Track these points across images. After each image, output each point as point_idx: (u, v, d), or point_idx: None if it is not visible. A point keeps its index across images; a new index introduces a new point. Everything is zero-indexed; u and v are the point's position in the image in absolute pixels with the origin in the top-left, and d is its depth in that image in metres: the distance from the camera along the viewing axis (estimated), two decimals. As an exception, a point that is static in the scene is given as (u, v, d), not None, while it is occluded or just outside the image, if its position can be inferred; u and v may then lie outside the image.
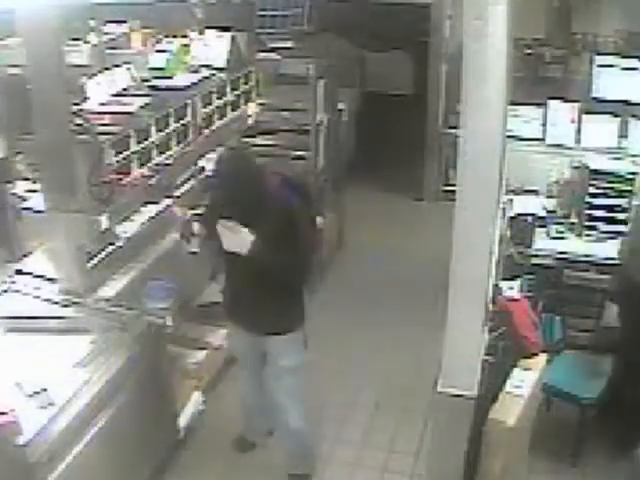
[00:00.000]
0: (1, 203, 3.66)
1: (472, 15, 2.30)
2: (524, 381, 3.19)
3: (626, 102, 4.84)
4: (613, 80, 4.92)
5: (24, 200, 3.82)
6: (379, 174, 7.36)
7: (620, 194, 4.46)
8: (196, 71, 4.74)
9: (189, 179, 4.92)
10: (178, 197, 4.72)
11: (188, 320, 4.45)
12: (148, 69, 4.53)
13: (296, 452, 3.83)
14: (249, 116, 5.31)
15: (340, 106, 6.45)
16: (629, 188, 4.45)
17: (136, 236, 4.24)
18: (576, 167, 4.68)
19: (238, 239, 3.19)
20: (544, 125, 5.03)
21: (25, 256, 3.87)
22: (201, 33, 4.99)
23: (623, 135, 4.82)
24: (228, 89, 4.91)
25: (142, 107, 3.98)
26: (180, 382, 4.14)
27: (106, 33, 4.97)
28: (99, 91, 3.93)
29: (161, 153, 4.11)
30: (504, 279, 3.64)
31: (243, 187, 3.15)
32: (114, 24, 5.11)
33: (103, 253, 4.00)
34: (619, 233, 4.35)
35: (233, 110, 5.01)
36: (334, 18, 7.22)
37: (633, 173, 4.46)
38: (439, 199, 7.05)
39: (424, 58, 7.09)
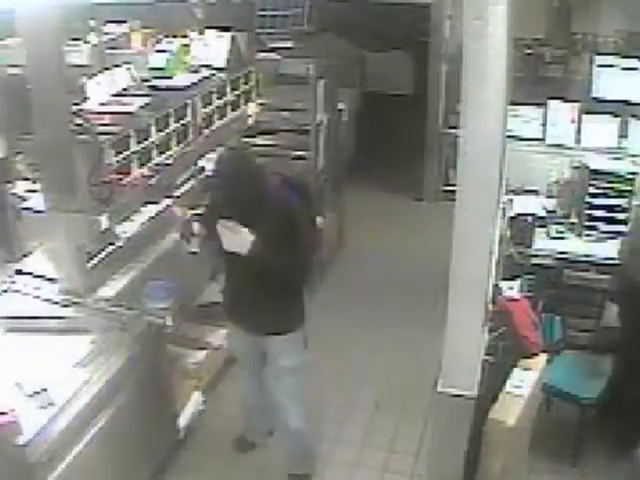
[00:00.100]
0: (1, 203, 3.66)
1: (472, 15, 2.30)
2: (524, 381, 3.19)
3: (626, 102, 4.84)
4: (613, 80, 4.92)
5: (24, 200, 3.82)
6: (379, 174, 7.36)
7: (620, 194, 4.46)
8: (196, 71, 4.74)
9: (189, 179, 4.92)
10: (178, 197, 4.72)
11: (188, 320, 4.45)
12: (148, 69, 4.52)
13: (296, 452, 3.83)
14: (249, 116, 5.31)
15: (340, 106, 6.45)
16: (629, 188, 4.45)
17: (136, 236, 4.24)
18: (576, 167, 4.68)
19: (238, 239, 3.19)
20: (544, 125, 5.03)
21: (25, 256, 3.87)
22: (201, 33, 4.99)
23: (623, 135, 4.82)
24: (228, 89, 4.91)
25: (142, 107, 3.98)
26: (180, 382, 4.14)
27: (106, 33, 4.97)
28: (99, 91, 3.93)
29: (161, 153, 4.11)
30: (504, 279, 3.64)
31: (243, 187, 3.15)
32: (114, 24, 5.11)
33: (103, 253, 4.00)
34: (619, 233, 4.35)
35: (233, 110, 5.01)
36: (334, 18, 7.22)
37: (633, 173, 4.46)
38: (439, 199, 7.05)
39: (424, 58, 7.09)
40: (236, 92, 5.03)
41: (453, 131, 6.39)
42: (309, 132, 5.58)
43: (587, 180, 4.52)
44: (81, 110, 3.66)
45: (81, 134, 3.49)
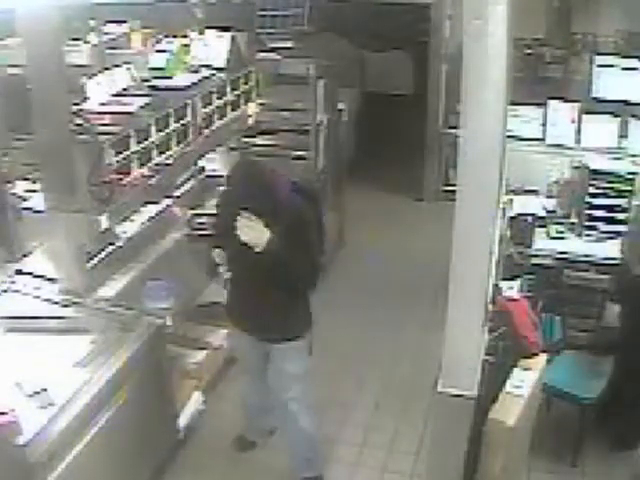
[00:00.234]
0: (1, 203, 3.66)
1: (472, 15, 2.30)
2: (524, 381, 3.19)
3: (626, 102, 4.84)
4: (613, 80, 4.92)
5: (24, 200, 3.82)
6: (379, 174, 7.36)
7: (620, 194, 4.46)
8: (196, 71, 4.74)
9: (189, 179, 4.92)
10: (178, 197, 4.73)
11: (188, 320, 4.45)
12: (148, 69, 4.52)
13: (308, 455, 3.82)
14: (249, 116, 5.31)
15: (340, 106, 6.45)
16: (629, 188, 4.45)
17: (136, 236, 4.25)
18: (576, 167, 4.68)
19: (256, 234, 3.19)
20: (544, 125, 5.03)
21: (25, 256, 3.86)
22: (201, 33, 4.98)
23: (623, 135, 4.82)
24: (228, 89, 4.90)
25: (142, 107, 3.98)
26: (180, 382, 4.14)
27: (106, 33, 4.97)
28: (99, 91, 3.92)
29: (161, 153, 4.10)
30: (504, 279, 3.64)
31: (259, 191, 3.19)
32: (114, 24, 5.11)
33: (103, 253, 4.00)
34: (619, 233, 4.36)
35: (233, 110, 5.01)
36: (334, 18, 7.24)
37: (633, 173, 4.46)
38: (439, 199, 7.05)
39: (424, 58, 7.08)
40: (236, 92, 5.02)
41: (453, 131, 6.39)
42: (309, 132, 5.58)
43: (587, 180, 4.52)
44: (81, 110, 3.66)
45: (81, 134, 3.49)
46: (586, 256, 4.39)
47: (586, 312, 4.41)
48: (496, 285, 3.39)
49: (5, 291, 3.75)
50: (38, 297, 3.73)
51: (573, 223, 4.61)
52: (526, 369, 3.26)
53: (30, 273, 3.83)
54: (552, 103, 4.98)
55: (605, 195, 4.48)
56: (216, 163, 5.44)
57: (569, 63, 6.02)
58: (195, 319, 4.60)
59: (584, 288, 4.43)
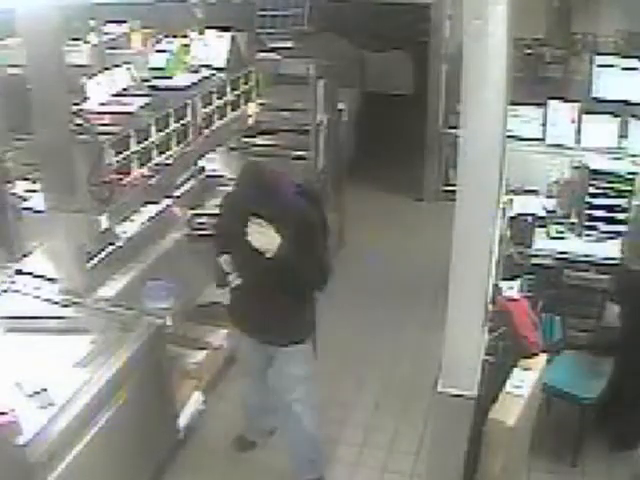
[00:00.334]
0: (1, 203, 3.66)
1: (472, 15, 2.30)
2: (524, 381, 3.19)
3: (626, 102, 4.84)
4: (613, 80, 4.92)
5: (24, 200, 3.81)
6: (379, 174, 7.36)
7: (620, 194, 4.46)
8: (196, 71, 4.74)
9: (189, 179, 4.93)
10: (178, 197, 4.73)
11: (188, 320, 4.45)
12: (148, 69, 4.52)
13: (311, 457, 3.81)
14: (249, 116, 5.31)
15: (340, 106, 6.45)
16: (629, 188, 4.45)
17: (136, 236, 4.25)
18: (576, 167, 4.68)
19: (267, 238, 3.19)
20: (544, 125, 5.03)
21: (25, 256, 3.86)
22: (201, 33, 4.98)
23: (623, 135, 4.82)
24: (228, 89, 4.90)
25: (142, 107, 3.98)
26: (180, 382, 4.14)
27: (106, 33, 4.97)
28: (99, 91, 3.92)
29: (161, 153, 4.11)
30: (504, 279, 3.64)
31: (269, 197, 3.20)
32: (114, 24, 5.11)
33: (103, 253, 4.01)
34: (619, 233, 4.36)
35: (233, 110, 5.01)
36: (334, 18, 7.23)
37: (633, 173, 4.46)
38: (439, 199, 7.05)
39: (424, 58, 7.08)
40: (236, 92, 5.02)
41: (453, 131, 6.39)
42: (309, 132, 5.58)
43: (587, 180, 4.52)
44: (81, 110, 3.66)
45: (81, 134, 3.49)
46: (586, 256, 4.39)
47: (586, 312, 4.41)
48: (496, 285, 3.39)
49: (5, 291, 3.75)
50: (38, 297, 3.73)
51: (573, 223, 4.61)
52: (526, 369, 3.26)
53: (30, 273, 3.83)
54: (552, 103, 4.98)
55: (605, 195, 4.48)
56: (216, 163, 5.45)
57: (569, 63, 6.02)
58: (195, 319, 4.60)
59: (584, 288, 4.43)
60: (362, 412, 4.40)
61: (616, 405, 3.85)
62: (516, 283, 3.64)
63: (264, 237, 3.18)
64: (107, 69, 4.12)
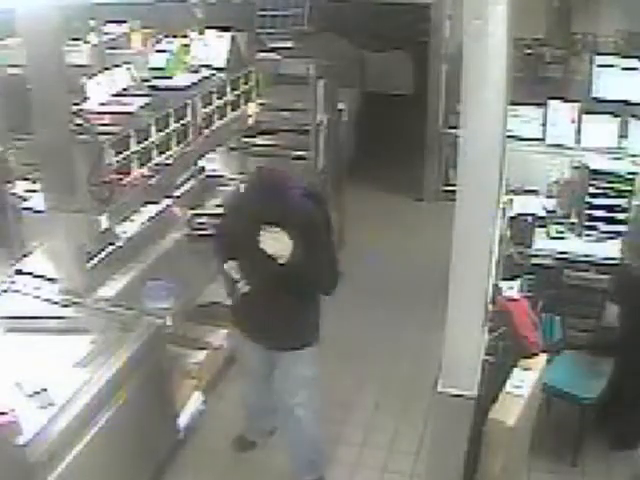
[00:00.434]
0: (1, 203, 3.66)
1: (472, 15, 2.30)
2: (524, 381, 3.19)
3: (626, 102, 4.84)
4: (613, 80, 4.92)
5: (24, 200, 3.82)
6: (379, 174, 7.36)
7: (620, 194, 4.46)
8: (196, 71, 4.74)
9: (189, 179, 4.93)
10: (178, 197, 4.73)
11: (188, 320, 4.45)
12: (148, 69, 4.52)
13: (311, 458, 3.80)
14: (249, 116, 5.31)
15: (340, 106, 6.45)
16: (629, 188, 4.45)
17: (136, 236, 4.26)
18: (576, 167, 4.68)
19: (282, 246, 3.16)
20: (544, 125, 5.03)
21: (25, 256, 3.86)
22: (201, 33, 4.98)
23: (623, 135, 4.82)
24: (228, 89, 4.90)
25: (142, 107, 3.98)
26: (180, 382, 4.14)
27: (106, 33, 4.97)
28: (99, 91, 3.92)
29: (161, 153, 4.10)
30: (504, 279, 3.64)
31: (281, 203, 3.19)
32: (114, 24, 5.11)
33: (103, 253, 4.01)
34: (619, 233, 4.35)
35: (233, 110, 5.01)
36: (334, 18, 7.23)
37: (633, 173, 4.46)
38: (439, 199, 7.05)
39: (424, 58, 7.08)
40: (236, 92, 5.02)
41: (453, 131, 6.39)
42: (309, 132, 5.58)
43: (587, 180, 4.52)
44: (81, 110, 3.66)
45: (81, 134, 3.49)
46: (586, 256, 4.39)
47: (586, 312, 4.41)
48: (496, 285, 3.39)
49: (5, 291, 3.75)
50: (38, 297, 3.73)
51: (573, 223, 4.61)
52: (526, 369, 3.26)
53: (30, 273, 3.83)
54: (552, 103, 4.98)
55: (605, 195, 4.48)
56: (216, 163, 5.45)
57: (569, 63, 6.02)
58: (195, 319, 4.60)
59: (584, 288, 4.43)
60: (362, 412, 4.40)
61: (616, 405, 3.85)
62: (516, 283, 3.64)
63: (278, 243, 3.16)
64: (107, 69, 4.12)
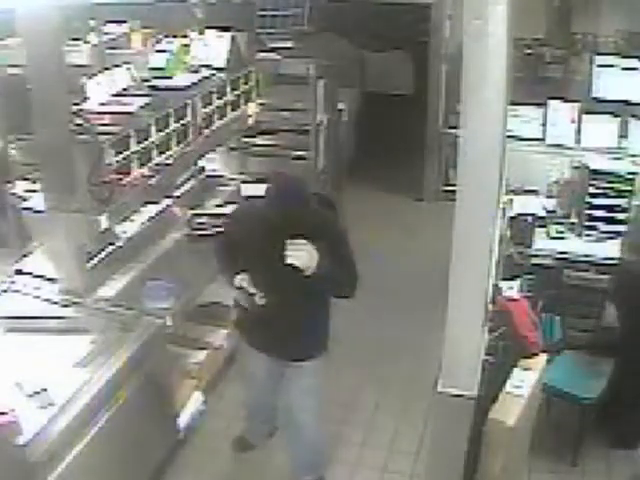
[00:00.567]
0: (1, 203, 3.66)
1: (472, 15, 2.30)
2: (524, 381, 3.19)
3: (626, 102, 4.84)
4: (613, 80, 4.92)
5: (24, 200, 3.82)
6: (379, 174, 7.35)
7: (620, 194, 4.46)
8: (196, 71, 4.74)
9: (189, 179, 4.93)
10: (178, 197, 4.73)
11: (188, 320, 4.45)
12: (148, 69, 4.52)
13: (311, 458, 3.79)
14: (249, 116, 5.31)
15: (340, 106, 6.46)
16: (629, 188, 4.45)
17: (136, 236, 4.26)
18: (576, 167, 4.68)
19: (309, 257, 3.08)
20: (544, 125, 5.03)
21: (25, 256, 3.87)
22: (201, 33, 4.99)
23: (623, 135, 4.82)
24: (228, 89, 4.91)
25: (142, 107, 3.98)
26: (180, 382, 4.14)
27: (106, 33, 4.97)
28: (99, 91, 3.92)
29: (161, 153, 4.11)
30: (504, 279, 3.64)
31: (303, 214, 3.11)
32: (114, 24, 5.12)
33: (103, 253, 4.01)
34: (619, 233, 4.35)
35: (233, 110, 5.01)
36: (334, 18, 7.23)
37: (633, 173, 4.46)
38: (439, 199, 7.04)
39: (424, 58, 7.08)
40: (236, 92, 5.03)
41: (453, 131, 6.38)
42: (309, 132, 5.59)
43: (587, 180, 4.52)
44: (81, 110, 3.66)
45: (81, 134, 3.49)
46: (586, 256, 4.39)
47: (586, 312, 4.41)
48: (496, 285, 3.39)
49: (5, 291, 3.75)
50: (38, 297, 3.73)
51: (573, 223, 4.61)
52: (526, 369, 3.26)
53: (30, 273, 3.83)
54: (552, 103, 4.98)
55: (605, 195, 4.48)
56: (216, 163, 5.45)
57: (569, 63, 6.01)
58: (195, 319, 4.60)
59: (584, 288, 4.43)
60: (362, 412, 4.40)
61: (616, 405, 3.85)
62: (516, 283, 3.64)
63: (306, 256, 3.06)
64: (107, 69, 4.12)
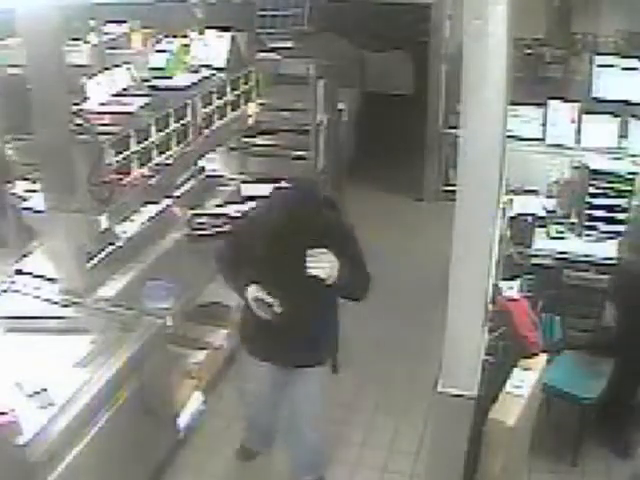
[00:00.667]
0: (1, 203, 3.66)
1: (472, 15, 2.30)
2: (524, 381, 3.19)
3: (626, 102, 4.84)
4: (613, 80, 4.92)
5: (24, 200, 3.82)
6: (379, 174, 7.36)
7: (620, 194, 4.46)
8: (196, 71, 4.74)
9: (189, 179, 4.93)
10: (178, 197, 4.74)
11: (188, 320, 4.45)
12: (148, 69, 4.52)
13: (311, 458, 3.77)
14: (249, 116, 5.31)
15: (340, 106, 6.46)
16: (629, 188, 4.45)
17: (136, 236, 4.26)
18: (576, 167, 4.68)
19: (330, 265, 3.04)
20: (544, 125, 5.03)
21: (25, 256, 3.87)
22: (201, 33, 4.99)
23: (623, 135, 4.82)
24: (228, 89, 4.91)
25: (142, 107, 3.98)
26: (180, 382, 4.14)
27: (106, 33, 4.97)
28: (99, 91, 3.92)
29: (161, 153, 4.11)
30: (504, 279, 3.64)
31: (321, 223, 3.08)
32: (114, 24, 5.11)
33: (103, 253, 4.01)
34: (619, 233, 4.35)
35: (233, 110, 5.01)
36: (334, 18, 7.23)
37: (633, 173, 4.46)
38: (439, 199, 7.04)
39: (424, 58, 7.09)
40: (236, 92, 5.03)
41: (453, 131, 6.39)
42: (309, 132, 5.59)
43: (587, 180, 4.52)
44: (81, 110, 3.66)
45: (81, 134, 3.49)
46: (586, 256, 4.39)
47: (586, 312, 4.41)
48: (496, 285, 3.39)
49: (5, 291, 3.75)
50: (38, 297, 3.73)
51: (573, 223, 4.61)
52: (526, 369, 3.26)
53: (30, 273, 3.83)
54: (552, 103, 4.98)
55: (605, 195, 4.48)
56: (216, 163, 5.45)
57: (569, 63, 6.01)
58: (195, 319, 4.60)
59: (584, 288, 4.43)
60: (362, 412, 4.40)
61: (616, 405, 3.85)
62: (516, 283, 3.64)
63: (327, 266, 3.02)
64: (107, 69, 4.12)
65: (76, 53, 4.47)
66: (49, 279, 3.79)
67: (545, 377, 3.49)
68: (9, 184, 3.76)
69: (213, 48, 4.89)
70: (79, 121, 3.51)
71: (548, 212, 4.73)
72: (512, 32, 2.72)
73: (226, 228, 4.49)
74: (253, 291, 3.16)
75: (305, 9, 6.40)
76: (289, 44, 5.89)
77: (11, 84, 3.73)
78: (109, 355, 3.32)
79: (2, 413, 2.74)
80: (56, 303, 3.69)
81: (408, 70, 8.48)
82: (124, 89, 4.12)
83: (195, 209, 4.84)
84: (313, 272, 3.01)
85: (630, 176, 4.45)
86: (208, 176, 5.26)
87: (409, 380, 4.56)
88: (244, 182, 5.35)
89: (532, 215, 4.56)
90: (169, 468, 3.88)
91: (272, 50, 5.68)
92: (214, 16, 5.41)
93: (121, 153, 3.72)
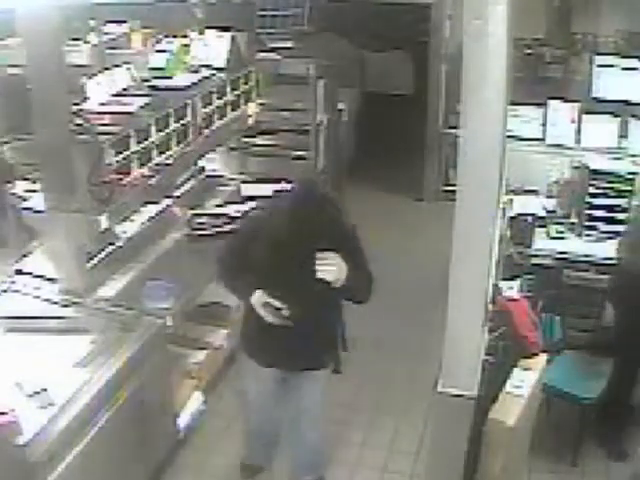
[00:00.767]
0: (1, 203, 3.66)
1: (472, 15, 2.30)
2: (524, 381, 3.18)
3: (626, 102, 4.84)
4: (613, 80, 4.92)
5: (24, 200, 3.82)
6: (379, 174, 7.36)
7: (620, 194, 4.46)
8: (196, 71, 4.74)
9: (189, 179, 4.93)
10: (178, 197, 4.74)
11: (188, 320, 4.45)
12: (148, 69, 4.53)
13: (311, 459, 3.74)
14: (249, 116, 5.32)
15: (340, 106, 6.46)
16: (629, 188, 4.45)
17: (136, 236, 4.26)
18: (576, 167, 4.68)
19: (338, 268, 3.02)
20: (544, 125, 5.03)
21: (25, 256, 3.86)
22: (201, 33, 4.99)
23: (623, 135, 4.82)
24: (228, 89, 4.91)
25: (142, 107, 3.98)
26: (180, 382, 4.14)
27: (106, 33, 4.97)
28: (99, 91, 3.93)
29: (161, 153, 4.11)
30: (504, 279, 3.64)
31: (329, 226, 3.04)
32: (114, 24, 5.11)
33: (103, 253, 4.01)
34: (619, 233, 4.35)
35: (233, 110, 5.01)
36: (334, 18, 7.23)
37: (633, 173, 4.46)
38: (439, 199, 7.04)
39: (424, 58, 7.09)
40: (236, 92, 5.03)
41: (453, 131, 6.39)
42: (309, 132, 5.59)
43: (587, 180, 4.52)
44: (81, 110, 3.66)
45: (81, 134, 3.49)
46: (586, 256, 4.39)
47: (586, 312, 4.41)
48: (496, 285, 3.38)
49: (5, 291, 3.75)
50: (38, 297, 3.73)
51: (573, 223, 4.61)
52: (526, 369, 3.26)
53: (30, 273, 3.83)
54: (552, 103, 4.98)
55: (605, 195, 4.48)
56: (216, 163, 5.45)
57: (569, 63, 6.02)
58: (195, 319, 4.60)
59: (584, 288, 4.43)
60: (362, 412, 4.40)
61: (616, 405, 3.85)
62: (516, 283, 3.64)
63: (336, 269, 3.01)
64: (107, 69, 4.12)
65: (76, 53, 4.47)
66: (49, 279, 3.79)
67: (545, 377, 3.49)
68: (9, 184, 3.76)
69: (213, 48, 4.89)
70: (79, 121, 3.51)
71: (548, 212, 4.73)
72: (512, 32, 2.72)
73: (226, 228, 4.49)
74: (260, 297, 3.11)
75: (305, 9, 6.41)
76: (289, 44, 5.89)
77: (11, 84, 3.73)
78: (109, 355, 3.32)
79: (2, 413, 2.74)
80: (56, 303, 3.69)
81: (408, 70, 8.48)
82: (124, 89, 4.12)
83: (195, 209, 4.84)
84: (321, 275, 2.99)
85: (630, 176, 4.45)
86: (208, 176, 5.26)
87: (409, 380, 4.56)
88: (244, 182, 5.35)
89: (532, 215, 4.56)
90: (169, 468, 3.88)
91: (272, 50, 5.68)
92: (214, 16, 5.41)
93: (121, 153, 3.72)
